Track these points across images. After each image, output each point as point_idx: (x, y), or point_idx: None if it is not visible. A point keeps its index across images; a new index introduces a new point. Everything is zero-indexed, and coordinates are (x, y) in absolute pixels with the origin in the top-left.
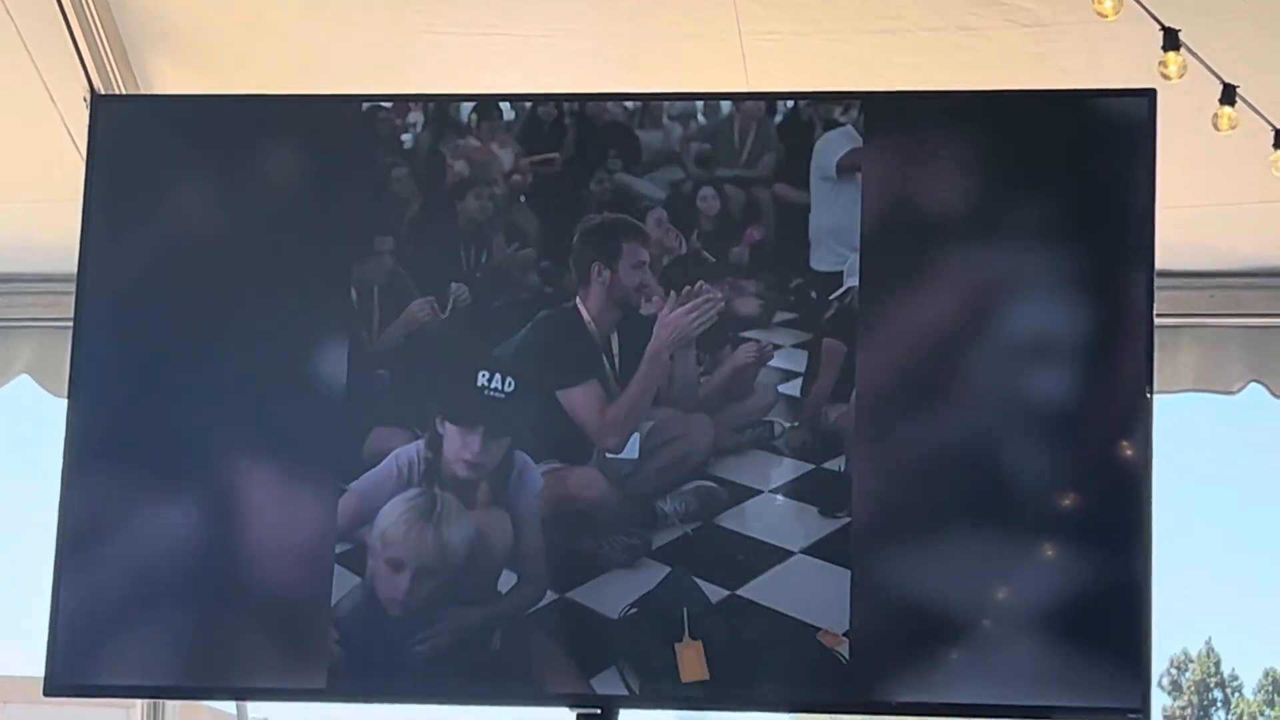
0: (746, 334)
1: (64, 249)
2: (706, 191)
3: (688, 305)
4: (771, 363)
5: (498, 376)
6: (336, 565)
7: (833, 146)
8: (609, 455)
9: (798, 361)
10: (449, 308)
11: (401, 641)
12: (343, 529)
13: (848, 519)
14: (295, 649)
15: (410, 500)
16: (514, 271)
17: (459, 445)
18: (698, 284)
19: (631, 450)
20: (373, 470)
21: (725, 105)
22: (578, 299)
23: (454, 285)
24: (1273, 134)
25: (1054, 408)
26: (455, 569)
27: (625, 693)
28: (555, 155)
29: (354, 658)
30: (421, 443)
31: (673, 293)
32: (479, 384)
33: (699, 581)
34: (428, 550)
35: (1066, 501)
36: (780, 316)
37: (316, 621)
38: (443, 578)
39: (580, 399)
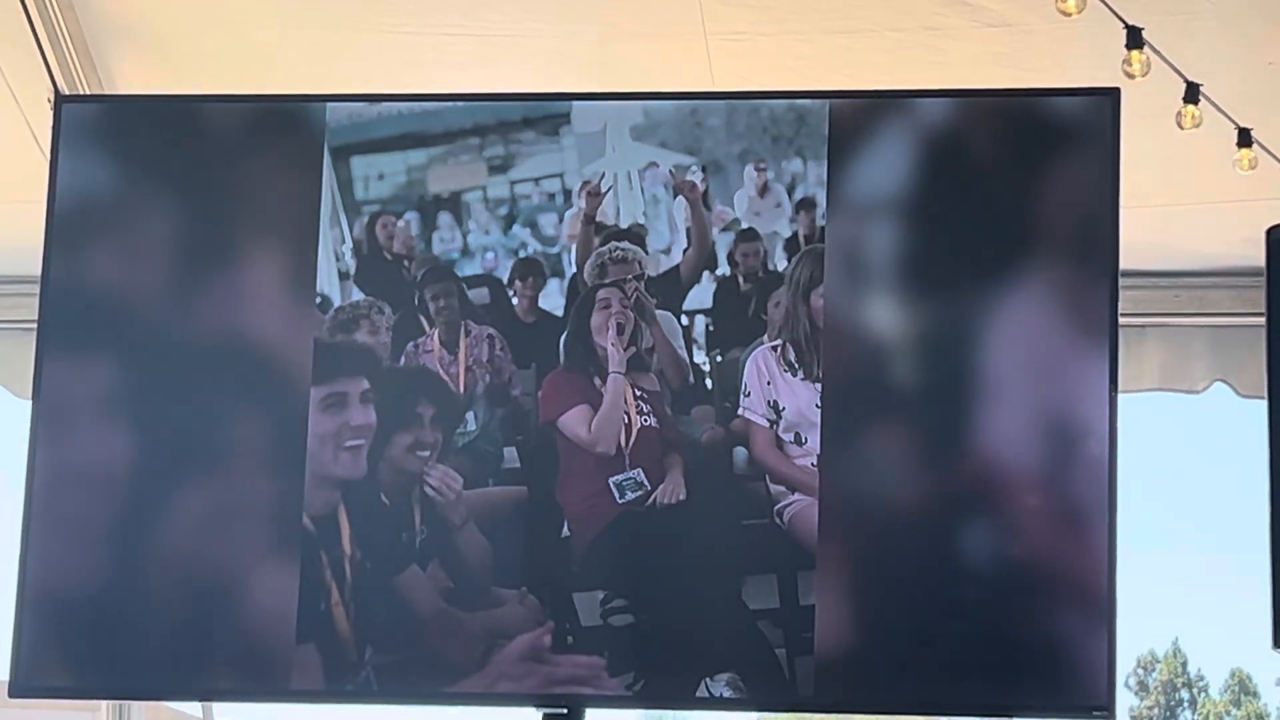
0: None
1: (27, 250)
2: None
3: None
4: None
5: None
6: (304, 567)
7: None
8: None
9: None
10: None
11: (367, 642)
12: (310, 531)
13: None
14: (261, 649)
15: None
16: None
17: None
18: None
19: None
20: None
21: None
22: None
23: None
24: (1236, 132)
25: (1017, 407)
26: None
27: (590, 692)
28: None
29: (320, 658)
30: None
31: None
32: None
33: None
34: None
35: (1031, 500)
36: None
37: (282, 622)
38: None
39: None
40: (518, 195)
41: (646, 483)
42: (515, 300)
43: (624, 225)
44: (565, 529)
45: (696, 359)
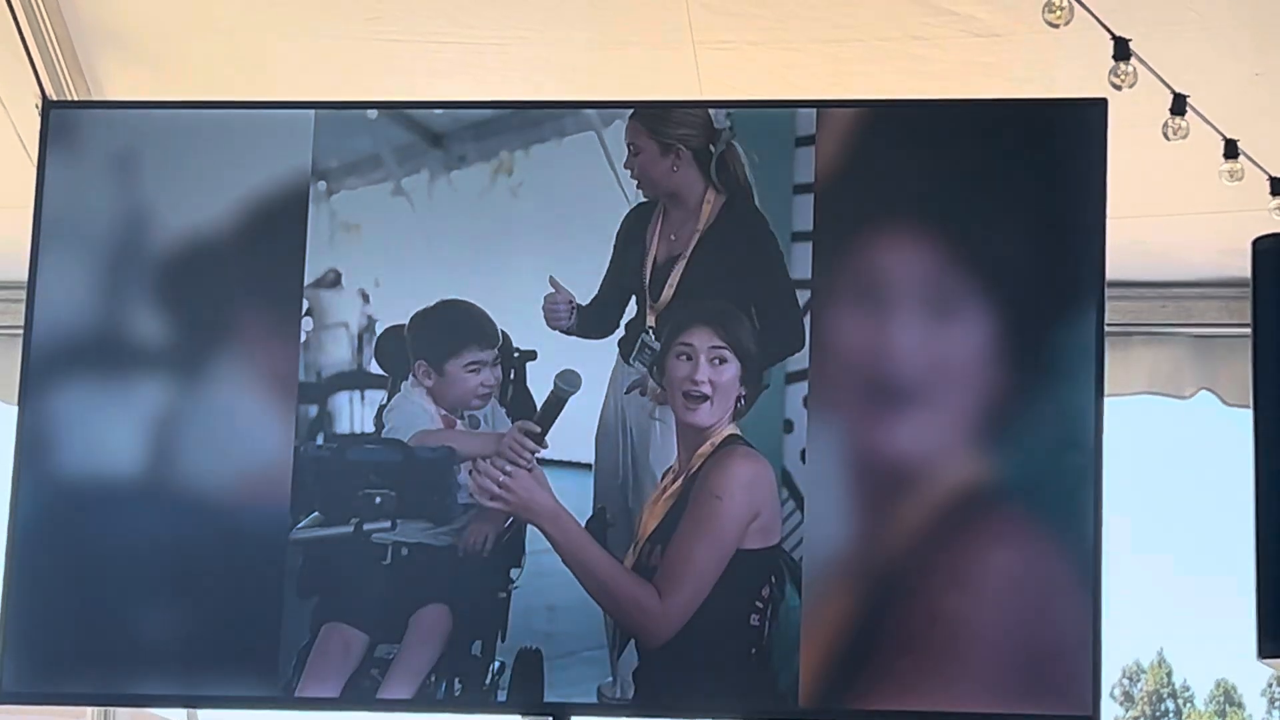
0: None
1: (14, 256)
2: None
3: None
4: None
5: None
6: (290, 575)
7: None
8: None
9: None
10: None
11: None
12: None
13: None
14: (247, 657)
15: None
16: None
17: None
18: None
19: None
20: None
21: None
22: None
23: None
24: (1223, 144)
25: (1001, 415)
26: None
27: (577, 700)
28: None
29: (305, 666)
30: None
31: None
32: None
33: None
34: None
35: (1016, 508)
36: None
37: (268, 630)
38: None
39: None
40: None
41: None
42: None
43: None
44: None
45: None
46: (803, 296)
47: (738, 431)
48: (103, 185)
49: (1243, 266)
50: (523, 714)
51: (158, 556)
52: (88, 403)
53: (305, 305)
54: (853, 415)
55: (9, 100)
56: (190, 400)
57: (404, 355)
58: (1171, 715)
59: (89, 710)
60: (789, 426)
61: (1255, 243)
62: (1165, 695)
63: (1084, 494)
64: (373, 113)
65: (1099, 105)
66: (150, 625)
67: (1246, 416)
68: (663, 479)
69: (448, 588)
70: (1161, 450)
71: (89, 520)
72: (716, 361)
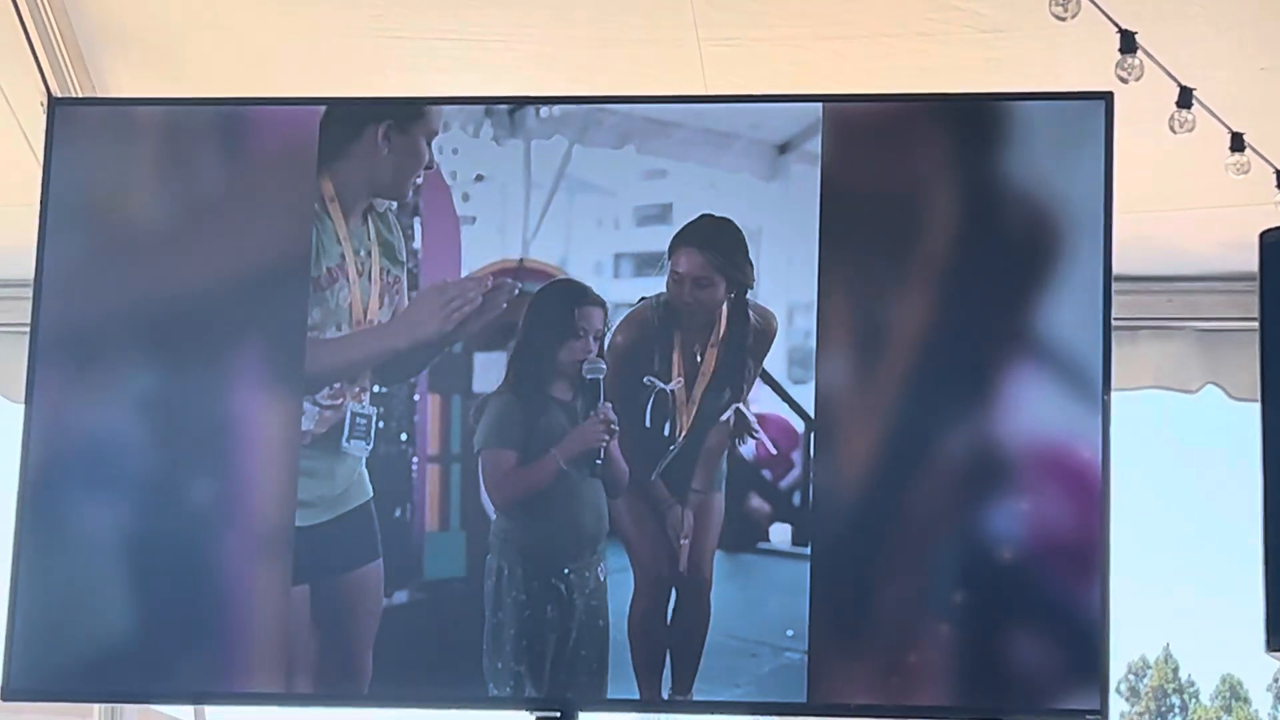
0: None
1: (21, 253)
2: None
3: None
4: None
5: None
6: (295, 572)
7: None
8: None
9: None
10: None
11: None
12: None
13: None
14: (254, 653)
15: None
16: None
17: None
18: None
19: None
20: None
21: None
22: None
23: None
24: (1229, 137)
25: (1007, 411)
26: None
27: (585, 695)
28: None
29: (313, 661)
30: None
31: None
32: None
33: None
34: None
35: (1023, 504)
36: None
37: (274, 626)
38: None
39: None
40: None
41: None
42: None
43: None
44: None
45: None
46: (808, 291)
47: (745, 426)
48: (108, 182)
49: (1249, 260)
50: (530, 710)
51: (163, 552)
52: (93, 398)
53: (311, 301)
54: (859, 409)
55: (14, 97)
56: (196, 396)
57: (407, 352)
58: (1177, 711)
59: (96, 707)
60: (798, 421)
61: (1262, 236)
62: (1171, 691)
63: (1090, 489)
64: (378, 109)
65: (1105, 98)
66: (156, 622)
67: (1253, 411)
68: (668, 476)
69: (452, 584)
70: (1168, 445)
71: (94, 517)
72: (723, 356)
